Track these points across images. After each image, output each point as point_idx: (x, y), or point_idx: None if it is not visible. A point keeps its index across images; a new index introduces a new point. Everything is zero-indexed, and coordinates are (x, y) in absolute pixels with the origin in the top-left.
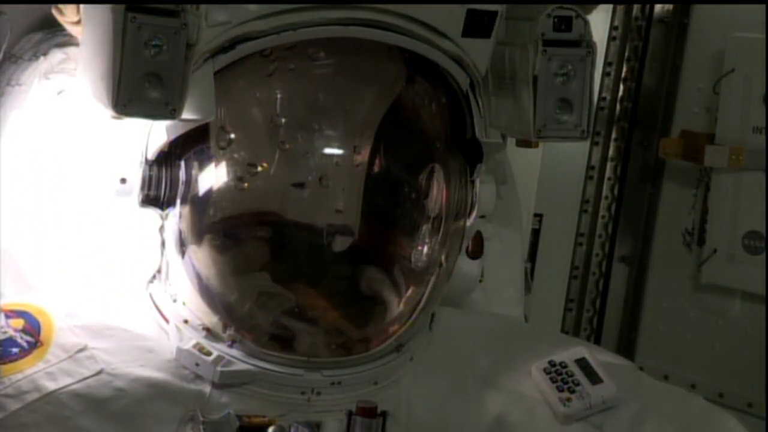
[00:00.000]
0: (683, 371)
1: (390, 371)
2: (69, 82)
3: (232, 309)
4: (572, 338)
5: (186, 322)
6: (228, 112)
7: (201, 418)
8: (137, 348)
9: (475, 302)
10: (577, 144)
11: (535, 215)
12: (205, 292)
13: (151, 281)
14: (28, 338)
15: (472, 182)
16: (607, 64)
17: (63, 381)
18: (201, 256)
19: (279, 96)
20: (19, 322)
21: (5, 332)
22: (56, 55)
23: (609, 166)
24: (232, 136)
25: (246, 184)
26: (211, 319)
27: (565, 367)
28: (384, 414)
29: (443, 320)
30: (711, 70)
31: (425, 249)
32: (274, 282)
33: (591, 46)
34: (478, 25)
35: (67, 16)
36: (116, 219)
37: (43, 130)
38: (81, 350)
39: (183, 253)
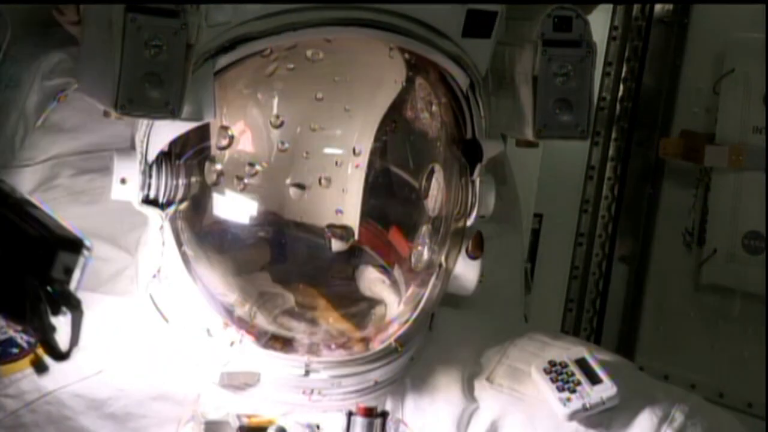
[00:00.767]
0: (683, 371)
1: (390, 371)
2: (69, 82)
3: (233, 309)
4: (572, 338)
5: (186, 322)
6: (228, 112)
7: (201, 418)
8: (137, 348)
9: (475, 302)
10: (577, 144)
11: (535, 215)
12: (205, 292)
13: (151, 281)
14: (28, 338)
15: (472, 182)
16: (607, 64)
17: (63, 381)
18: (201, 256)
19: (279, 96)
20: None
21: (5, 332)
22: (56, 55)
23: (609, 166)
24: (232, 136)
25: (246, 184)
26: (212, 319)
27: (565, 367)
28: (384, 414)
29: (443, 320)
30: (711, 70)
31: (425, 249)
32: (275, 282)
33: (591, 46)
34: (478, 25)
35: (67, 16)
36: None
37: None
38: (81, 350)
39: (183, 253)
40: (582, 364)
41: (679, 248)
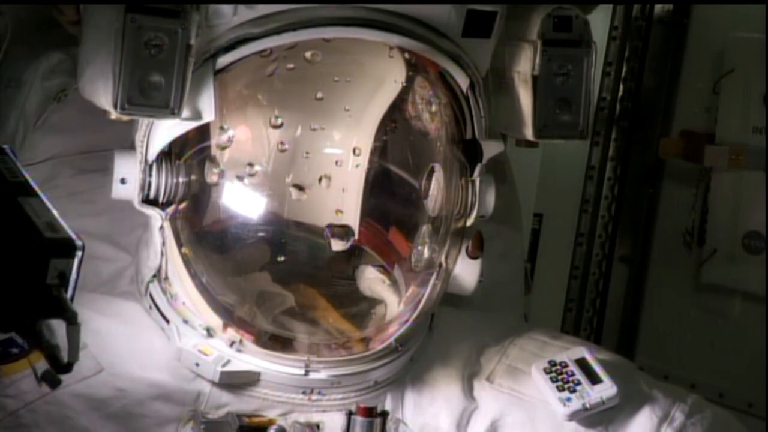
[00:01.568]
0: (683, 371)
1: (390, 371)
2: (69, 82)
3: (233, 309)
4: (572, 338)
5: (186, 322)
6: (228, 112)
7: (201, 418)
8: (138, 348)
9: (475, 302)
10: (577, 144)
11: (535, 215)
12: (205, 292)
13: (151, 281)
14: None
15: (472, 182)
16: (607, 64)
17: (63, 381)
18: (201, 256)
19: (279, 96)
20: None
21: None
22: (56, 55)
23: (609, 166)
24: (232, 136)
25: (246, 184)
26: (212, 319)
27: (565, 367)
28: (384, 414)
29: (443, 320)
30: (711, 70)
31: (425, 249)
32: (275, 282)
33: (591, 46)
34: (478, 25)
35: (67, 16)
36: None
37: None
38: (81, 350)
39: (183, 253)
40: (582, 364)
41: (679, 248)
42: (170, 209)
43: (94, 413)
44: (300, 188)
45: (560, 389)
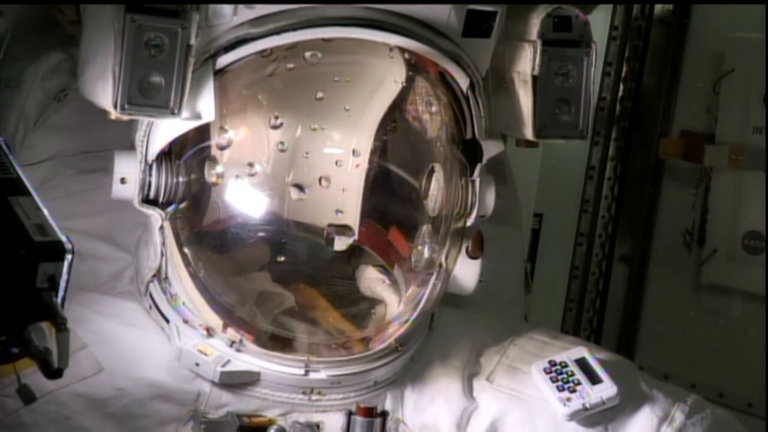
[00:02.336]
0: (683, 371)
1: (390, 371)
2: (69, 82)
3: (233, 309)
4: (572, 338)
5: (186, 322)
6: (228, 112)
7: (201, 418)
8: (137, 348)
9: (475, 302)
10: (577, 144)
11: (535, 215)
12: (205, 292)
13: (151, 281)
14: None
15: (472, 182)
16: (607, 64)
17: (63, 381)
18: (201, 256)
19: (279, 96)
20: None
21: None
22: (56, 55)
23: (609, 166)
24: (232, 136)
25: (246, 184)
26: (212, 319)
27: (565, 366)
28: (384, 414)
29: (443, 320)
30: (711, 70)
31: (425, 249)
32: (275, 282)
33: (591, 46)
34: (478, 25)
35: (67, 16)
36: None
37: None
38: (81, 350)
39: (183, 253)
40: (582, 364)
41: (679, 248)
42: (170, 209)
43: (94, 413)
44: (300, 188)
45: (560, 389)
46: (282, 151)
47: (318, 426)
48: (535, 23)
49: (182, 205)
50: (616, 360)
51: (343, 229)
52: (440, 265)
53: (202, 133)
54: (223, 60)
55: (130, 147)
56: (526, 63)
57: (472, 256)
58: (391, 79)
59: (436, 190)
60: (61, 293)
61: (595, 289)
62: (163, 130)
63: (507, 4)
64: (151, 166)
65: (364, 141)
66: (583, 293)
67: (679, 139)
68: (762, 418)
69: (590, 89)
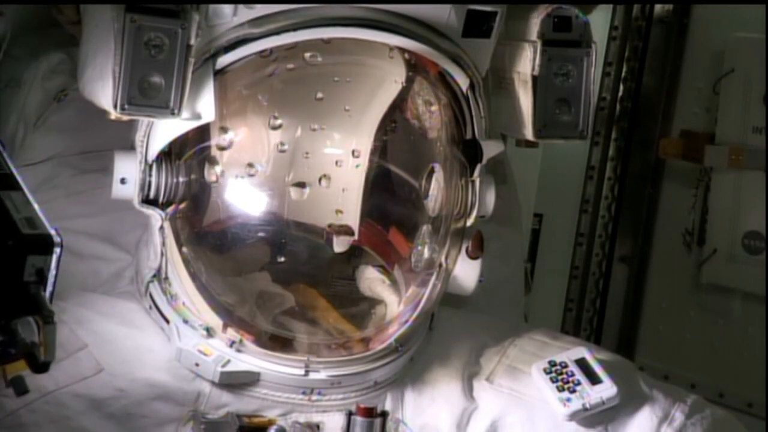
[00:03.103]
0: (683, 371)
1: (390, 371)
2: (69, 82)
3: (233, 309)
4: (572, 338)
5: (186, 322)
6: (228, 112)
7: (201, 419)
8: (137, 348)
9: (475, 302)
10: (577, 144)
11: (535, 215)
12: (205, 292)
13: (151, 281)
14: None
15: (472, 182)
16: (607, 64)
17: (63, 381)
18: (201, 256)
19: (279, 96)
20: None
21: None
22: (56, 55)
23: (609, 166)
24: (232, 136)
25: (246, 184)
26: (211, 320)
27: (565, 367)
28: (384, 414)
29: (443, 320)
30: (711, 70)
31: (425, 249)
32: (275, 282)
33: (591, 46)
34: (478, 26)
35: (67, 16)
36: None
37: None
38: (81, 350)
39: (183, 253)
40: (582, 364)
41: (679, 248)
42: (170, 209)
43: (94, 413)
44: (300, 188)
45: (560, 389)
46: (282, 151)
47: (318, 426)
48: (535, 23)
49: (182, 206)
50: (616, 360)
51: (343, 230)
52: (440, 266)
53: (202, 133)
54: (223, 60)
55: (130, 147)
56: (526, 63)
57: (472, 257)
58: (391, 80)
59: (436, 191)
60: (49, 288)
61: (595, 289)
62: (163, 131)
63: (507, 4)
64: (151, 167)
65: (364, 141)
66: (583, 293)
67: (679, 139)
68: (762, 418)
69: (590, 89)
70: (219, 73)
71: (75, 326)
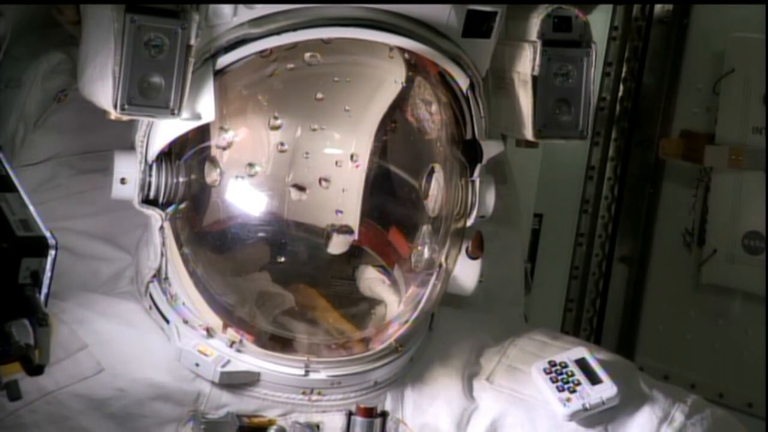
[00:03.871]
0: (683, 371)
1: (390, 371)
2: (69, 82)
3: (233, 309)
4: (572, 338)
5: (186, 322)
6: (228, 113)
7: (201, 419)
8: (137, 348)
9: (475, 302)
10: (577, 144)
11: (535, 215)
12: (205, 292)
13: (151, 281)
14: None
15: (472, 182)
16: (607, 64)
17: (63, 381)
18: (201, 256)
19: (279, 96)
20: None
21: None
22: (56, 55)
23: (609, 166)
24: (232, 136)
25: (246, 185)
26: (211, 320)
27: (565, 367)
28: (384, 414)
29: (443, 320)
30: (711, 70)
31: (425, 249)
32: (275, 282)
33: (591, 47)
34: (478, 26)
35: (67, 16)
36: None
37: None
38: (81, 350)
39: (183, 253)
40: (582, 364)
41: (679, 248)
42: (170, 210)
43: (94, 413)
44: (300, 188)
45: (560, 389)
46: (282, 151)
47: (318, 426)
48: (535, 23)
49: (182, 206)
50: (616, 360)
51: (343, 230)
52: (440, 266)
53: (202, 133)
54: (223, 60)
55: (130, 147)
56: (526, 63)
57: (472, 257)
58: (391, 80)
59: (436, 191)
60: (44, 290)
61: (595, 289)
62: (163, 131)
63: (507, 4)
64: (151, 167)
65: (364, 141)
66: (583, 293)
67: (679, 140)
68: (762, 418)
69: (590, 89)
70: (219, 73)
71: (75, 326)
